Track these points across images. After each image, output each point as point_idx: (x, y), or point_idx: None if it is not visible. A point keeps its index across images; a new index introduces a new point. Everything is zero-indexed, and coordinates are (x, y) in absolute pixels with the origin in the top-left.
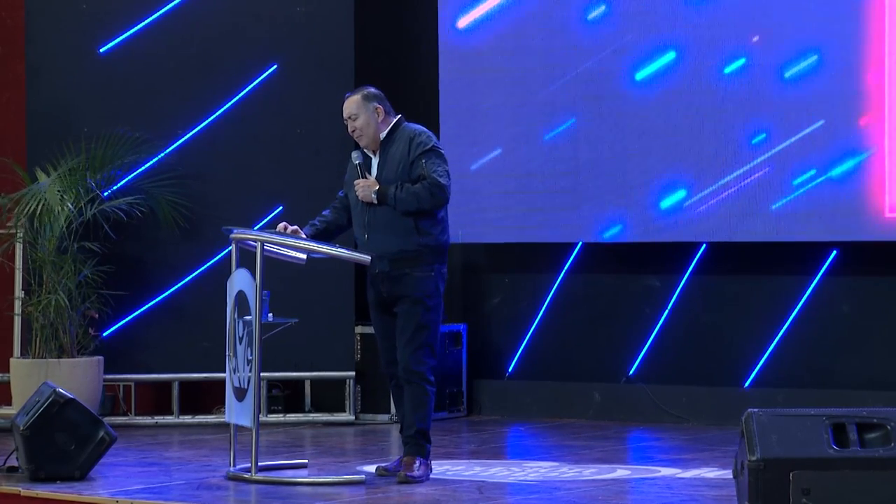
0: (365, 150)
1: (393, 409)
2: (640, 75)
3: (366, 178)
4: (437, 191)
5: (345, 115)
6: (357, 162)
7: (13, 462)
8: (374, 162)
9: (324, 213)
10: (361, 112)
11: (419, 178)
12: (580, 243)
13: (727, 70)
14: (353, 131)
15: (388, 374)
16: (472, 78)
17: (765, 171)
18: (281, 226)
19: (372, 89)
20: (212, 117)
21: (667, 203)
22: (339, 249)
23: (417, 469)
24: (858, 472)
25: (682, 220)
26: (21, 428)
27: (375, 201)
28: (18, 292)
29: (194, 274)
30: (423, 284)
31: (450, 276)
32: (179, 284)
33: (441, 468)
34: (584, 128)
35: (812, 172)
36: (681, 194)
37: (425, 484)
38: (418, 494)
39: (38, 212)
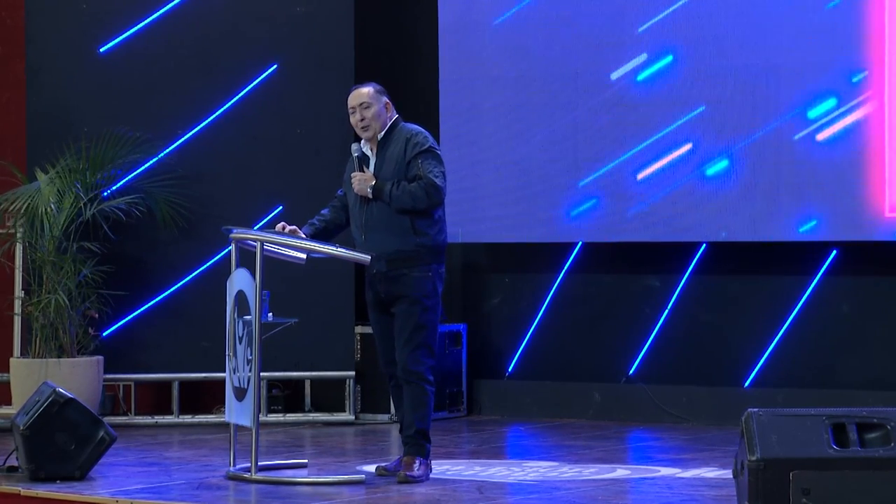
0: (362, 147)
1: (393, 409)
2: (616, 75)
3: (363, 171)
4: (432, 191)
5: (355, 103)
6: (356, 155)
7: (13, 462)
8: (372, 160)
9: (322, 212)
10: (374, 103)
11: (415, 178)
12: (580, 243)
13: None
14: (362, 121)
15: (387, 373)
16: (472, 78)
17: (764, 175)
18: (279, 226)
19: (379, 86)
20: (212, 117)
21: (666, 201)
22: (339, 249)
23: (417, 469)
24: (858, 472)
25: (681, 219)
26: (21, 428)
27: (370, 195)
28: (18, 292)
29: (194, 274)
30: (421, 284)
31: (450, 276)
32: (179, 284)
33: (441, 468)
34: (585, 126)
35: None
36: (676, 193)
37: (425, 484)
38: (418, 494)
39: (24, 209)
